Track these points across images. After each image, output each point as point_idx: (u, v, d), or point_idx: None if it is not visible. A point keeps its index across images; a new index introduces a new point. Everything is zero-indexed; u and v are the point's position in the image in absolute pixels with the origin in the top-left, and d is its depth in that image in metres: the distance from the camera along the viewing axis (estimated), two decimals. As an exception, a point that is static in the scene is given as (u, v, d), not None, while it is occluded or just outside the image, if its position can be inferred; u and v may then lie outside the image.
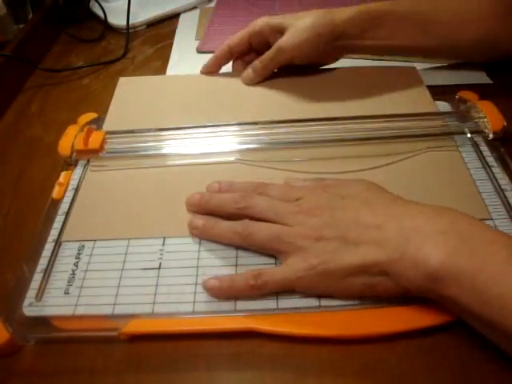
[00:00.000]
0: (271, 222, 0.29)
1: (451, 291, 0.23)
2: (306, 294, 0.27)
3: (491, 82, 0.45)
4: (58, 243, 0.31)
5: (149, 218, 0.33)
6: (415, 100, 0.41)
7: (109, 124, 0.41)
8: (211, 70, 0.45)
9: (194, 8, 0.63)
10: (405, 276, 0.25)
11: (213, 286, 0.28)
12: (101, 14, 0.58)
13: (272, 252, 0.29)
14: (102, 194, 0.35)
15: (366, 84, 0.43)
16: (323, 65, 0.45)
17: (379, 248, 0.25)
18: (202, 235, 0.31)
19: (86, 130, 0.38)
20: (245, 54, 0.45)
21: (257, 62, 0.43)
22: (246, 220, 0.30)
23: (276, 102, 0.42)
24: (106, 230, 0.32)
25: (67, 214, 0.33)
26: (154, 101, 0.43)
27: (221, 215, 0.31)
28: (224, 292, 0.28)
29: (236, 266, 0.29)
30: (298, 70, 0.44)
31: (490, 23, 0.41)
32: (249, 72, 0.43)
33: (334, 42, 0.40)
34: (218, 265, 0.30)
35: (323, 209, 0.28)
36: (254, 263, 0.29)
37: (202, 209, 0.32)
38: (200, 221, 0.31)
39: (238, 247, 0.30)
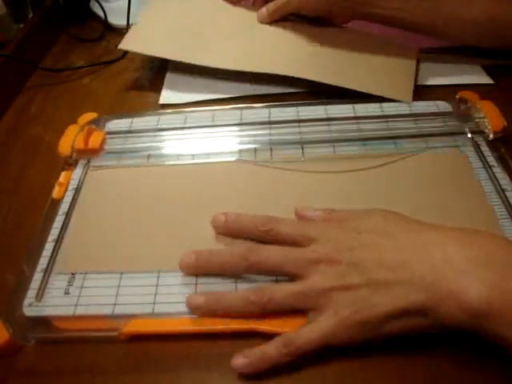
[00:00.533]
0: (286, 273, 0.27)
1: (497, 327, 0.22)
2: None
3: (492, 82, 0.45)
4: (58, 243, 0.31)
5: (144, 249, 0.31)
6: (396, 78, 0.43)
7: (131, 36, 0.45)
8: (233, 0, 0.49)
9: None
10: (445, 314, 0.23)
11: (242, 364, 0.25)
12: (101, 13, 0.58)
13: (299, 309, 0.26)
14: (99, 209, 0.34)
15: (361, 47, 0.45)
16: (332, 24, 0.47)
17: (412, 288, 0.24)
18: (208, 315, 0.27)
19: (86, 129, 0.38)
20: None
21: (271, 4, 0.46)
22: (258, 287, 0.27)
23: (279, 40, 0.45)
24: (99, 263, 0.30)
25: (67, 213, 0.33)
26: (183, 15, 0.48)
27: (226, 274, 0.29)
28: (256, 366, 0.25)
29: (236, 266, 0.29)
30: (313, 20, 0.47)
31: (499, 4, 0.41)
32: (263, 11, 0.46)
33: (343, 3, 0.42)
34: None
35: (342, 251, 0.26)
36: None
37: (202, 272, 0.29)
38: (200, 298, 0.27)
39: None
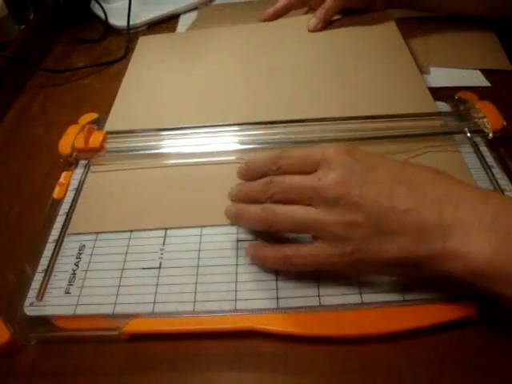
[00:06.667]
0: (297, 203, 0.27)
1: (497, 287, 0.23)
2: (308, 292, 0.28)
3: (489, 84, 0.45)
4: (58, 243, 0.32)
5: (150, 211, 0.33)
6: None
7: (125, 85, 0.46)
8: (269, 18, 0.53)
9: (195, 9, 0.63)
10: (444, 270, 0.24)
11: (248, 255, 0.29)
12: (102, 14, 0.59)
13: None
14: (103, 192, 0.35)
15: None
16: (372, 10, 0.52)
17: (417, 240, 0.24)
18: (235, 220, 0.30)
19: (86, 128, 0.38)
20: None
21: (318, 11, 0.50)
22: (268, 205, 0.28)
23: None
24: (108, 224, 0.33)
25: (68, 213, 0.34)
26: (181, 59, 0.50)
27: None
28: (257, 262, 0.29)
29: (237, 265, 0.30)
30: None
31: None
32: (313, 20, 0.50)
33: None
34: (218, 264, 0.30)
35: (350, 183, 0.25)
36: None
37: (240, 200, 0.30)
38: (232, 207, 0.29)
39: (237, 246, 0.31)
